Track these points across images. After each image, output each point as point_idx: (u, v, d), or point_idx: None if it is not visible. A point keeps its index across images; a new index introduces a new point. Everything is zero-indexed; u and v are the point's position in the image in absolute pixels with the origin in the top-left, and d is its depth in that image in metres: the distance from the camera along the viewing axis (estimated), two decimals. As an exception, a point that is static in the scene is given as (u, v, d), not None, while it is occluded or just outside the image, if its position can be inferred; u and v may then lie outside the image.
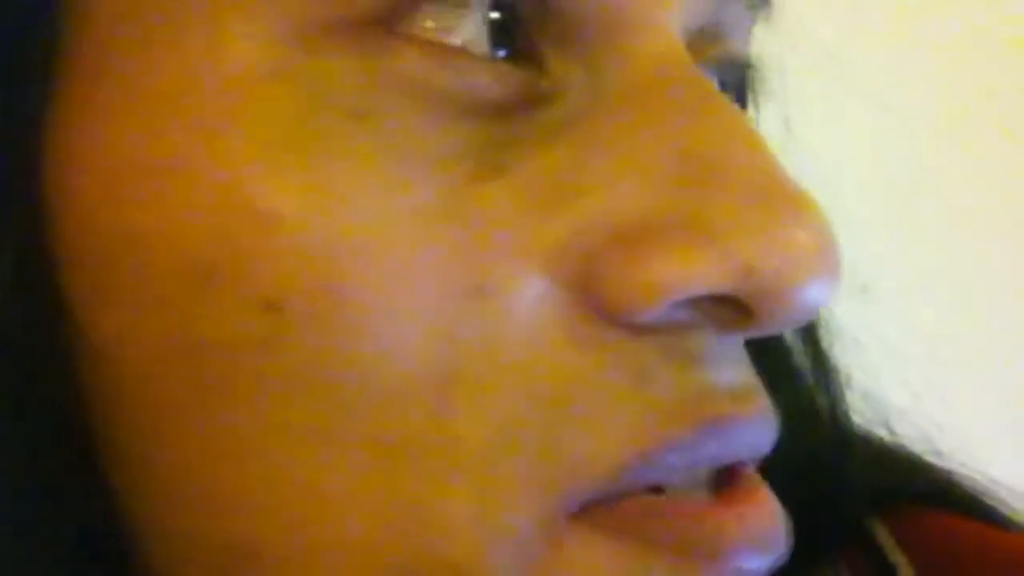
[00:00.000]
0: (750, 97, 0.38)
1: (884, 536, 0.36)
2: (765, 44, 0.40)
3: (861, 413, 0.41)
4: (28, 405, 0.24)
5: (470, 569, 0.23)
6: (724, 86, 0.31)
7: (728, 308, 0.24)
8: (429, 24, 0.24)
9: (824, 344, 0.40)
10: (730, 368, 0.25)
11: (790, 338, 0.39)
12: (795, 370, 0.39)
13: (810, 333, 0.39)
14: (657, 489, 0.25)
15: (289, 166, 0.23)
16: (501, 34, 0.25)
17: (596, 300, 0.24)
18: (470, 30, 0.24)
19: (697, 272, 0.23)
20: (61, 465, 0.25)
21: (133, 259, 0.23)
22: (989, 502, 0.38)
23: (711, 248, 0.23)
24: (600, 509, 0.24)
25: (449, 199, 0.23)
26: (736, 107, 0.25)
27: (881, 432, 0.41)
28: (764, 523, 0.25)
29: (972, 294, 0.64)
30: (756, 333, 0.25)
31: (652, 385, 0.24)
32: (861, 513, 0.37)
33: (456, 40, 0.24)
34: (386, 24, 0.23)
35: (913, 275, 0.61)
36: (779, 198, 0.24)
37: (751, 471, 0.26)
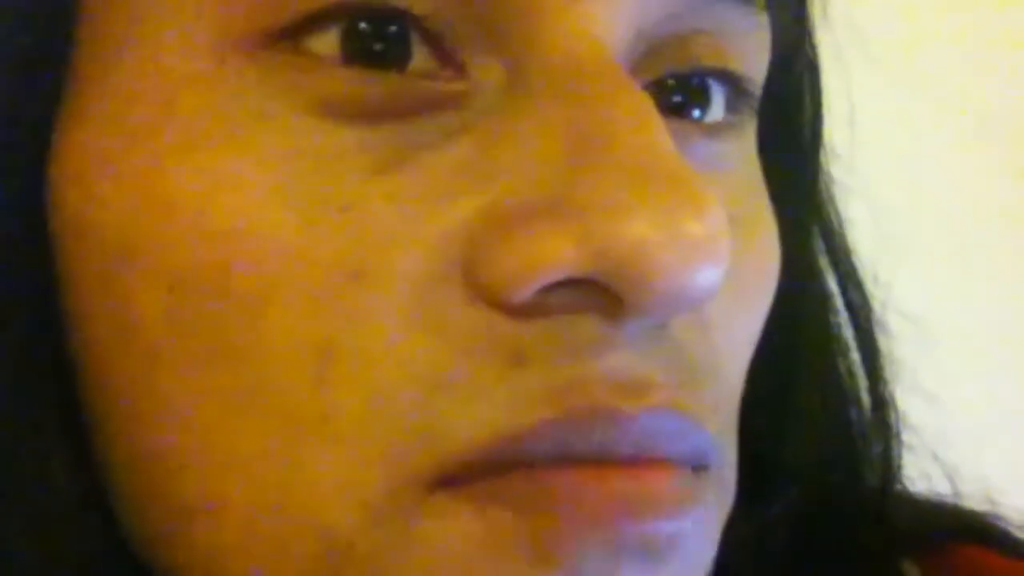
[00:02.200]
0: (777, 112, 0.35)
1: None
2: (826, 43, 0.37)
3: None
4: (26, 376, 0.28)
5: (339, 537, 0.25)
6: (701, 90, 0.29)
7: (605, 293, 0.24)
8: (331, 41, 0.25)
9: (886, 383, 0.38)
10: (624, 358, 0.25)
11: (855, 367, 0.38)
12: (851, 404, 0.38)
13: (875, 367, 0.38)
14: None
15: (200, 161, 0.25)
16: (413, 41, 0.26)
17: (477, 284, 0.24)
18: (365, 44, 0.25)
19: (556, 255, 0.24)
20: (53, 432, 0.28)
21: (81, 246, 0.27)
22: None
23: (571, 229, 0.24)
24: (467, 481, 0.25)
25: (339, 192, 0.25)
26: (641, 96, 0.25)
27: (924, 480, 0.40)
28: (640, 491, 0.24)
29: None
30: (637, 321, 0.25)
31: (527, 370, 0.24)
32: (894, 554, 0.36)
33: (361, 56, 0.25)
34: (291, 39, 0.25)
35: (981, 314, 0.55)
36: (649, 179, 0.23)
37: (671, 465, 0.25)
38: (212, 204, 0.25)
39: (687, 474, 0.26)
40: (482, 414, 0.24)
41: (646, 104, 0.25)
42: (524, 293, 0.24)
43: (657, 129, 0.24)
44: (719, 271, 0.24)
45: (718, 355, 0.27)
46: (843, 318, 0.38)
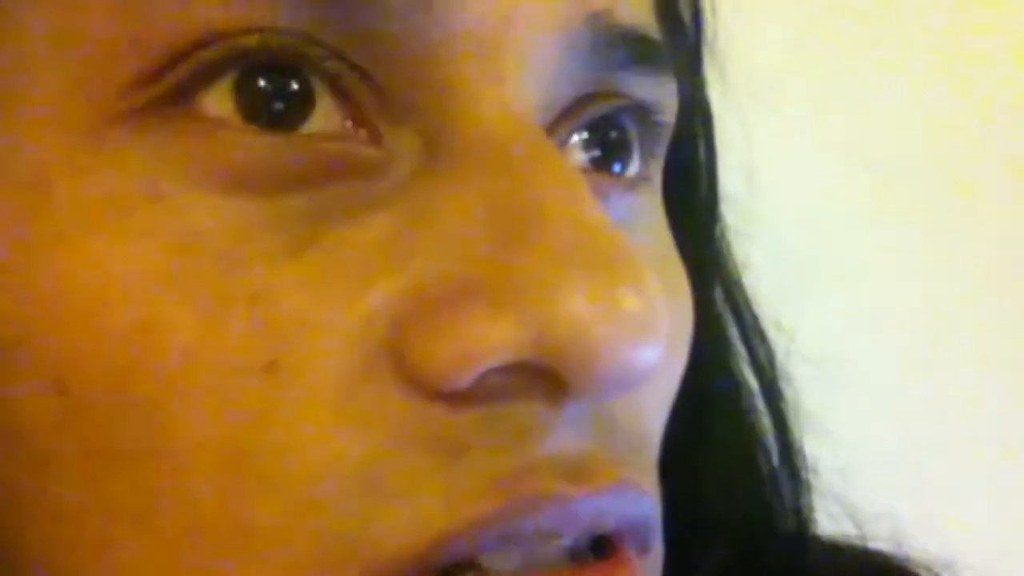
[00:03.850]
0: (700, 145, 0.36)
1: None
2: (725, 93, 0.37)
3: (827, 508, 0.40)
4: None
5: None
6: (620, 144, 0.29)
7: (546, 376, 0.23)
8: (225, 98, 0.23)
9: (794, 434, 0.39)
10: (569, 440, 0.24)
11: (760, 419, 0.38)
12: (758, 453, 0.38)
13: (781, 419, 0.38)
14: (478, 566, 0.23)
15: (86, 252, 0.23)
16: (319, 95, 0.24)
17: (408, 373, 0.23)
18: (270, 105, 0.23)
19: (497, 340, 0.22)
20: None
21: None
22: None
23: (509, 312, 0.22)
24: None
25: (245, 281, 0.23)
26: (568, 166, 0.24)
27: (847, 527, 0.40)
28: None
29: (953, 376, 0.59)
30: (579, 403, 0.24)
31: (467, 461, 0.23)
32: None
33: (261, 115, 0.23)
34: (180, 103, 0.23)
35: (885, 354, 0.56)
36: (583, 254, 0.22)
37: (625, 543, 0.25)
38: (101, 299, 0.23)
39: (641, 568, 0.25)
40: (418, 513, 0.22)
41: (574, 174, 0.24)
42: (460, 382, 0.22)
43: (588, 200, 0.23)
44: (660, 347, 0.23)
45: (646, 418, 0.27)
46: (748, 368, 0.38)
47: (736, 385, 0.38)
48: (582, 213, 0.23)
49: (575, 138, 0.27)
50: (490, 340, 0.22)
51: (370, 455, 0.22)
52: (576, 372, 0.22)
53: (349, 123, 0.24)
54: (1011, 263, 0.59)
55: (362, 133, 0.24)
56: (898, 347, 0.58)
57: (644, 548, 0.25)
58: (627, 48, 0.26)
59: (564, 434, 0.24)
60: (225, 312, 0.22)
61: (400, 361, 0.23)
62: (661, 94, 0.28)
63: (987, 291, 0.59)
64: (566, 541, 0.24)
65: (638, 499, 0.25)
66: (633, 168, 0.29)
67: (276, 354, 0.22)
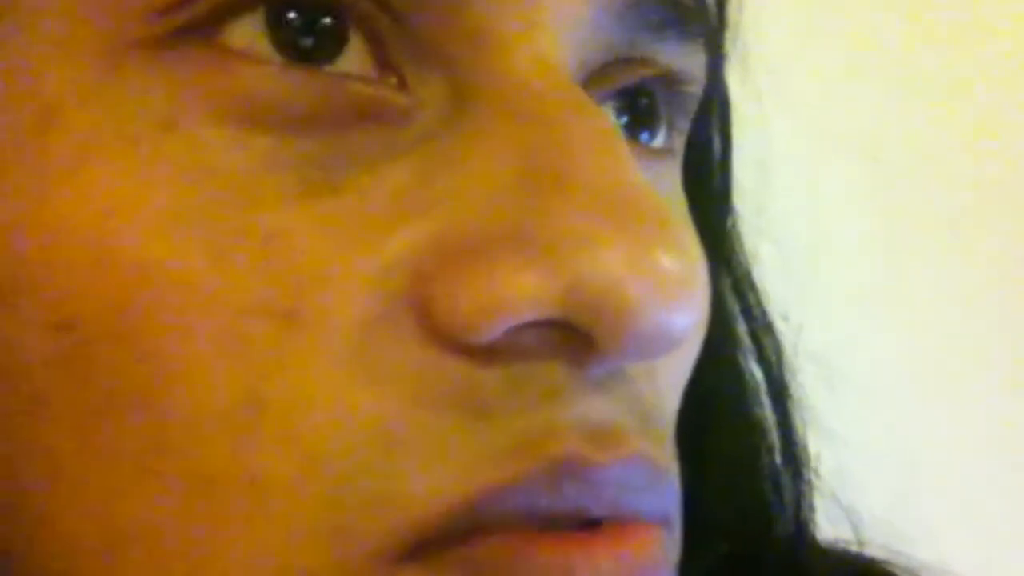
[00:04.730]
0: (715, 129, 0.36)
1: None
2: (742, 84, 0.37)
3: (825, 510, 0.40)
4: None
5: None
6: (649, 112, 0.28)
7: (575, 336, 0.22)
8: (253, 32, 0.22)
9: (798, 432, 0.38)
10: (596, 406, 0.22)
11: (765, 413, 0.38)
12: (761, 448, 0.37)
13: (785, 416, 0.38)
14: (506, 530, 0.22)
15: (91, 181, 0.22)
16: (351, 38, 0.23)
17: (430, 324, 0.22)
18: (298, 40, 0.22)
19: (527, 291, 0.21)
20: None
21: None
22: None
23: (541, 264, 0.21)
24: (437, 551, 0.22)
25: (260, 219, 0.22)
26: (603, 116, 0.23)
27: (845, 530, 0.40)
28: (621, 561, 0.22)
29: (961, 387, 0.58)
30: (608, 364, 0.22)
31: (491, 421, 0.21)
32: None
33: (289, 51, 0.22)
34: (204, 33, 0.22)
35: (887, 361, 0.56)
36: (621, 210, 0.21)
37: (650, 518, 0.23)
38: (106, 231, 0.21)
39: (663, 541, 0.24)
40: (443, 474, 0.21)
41: (609, 125, 0.23)
42: (488, 335, 0.21)
43: (624, 154, 0.22)
44: (697, 313, 0.21)
45: (665, 397, 0.26)
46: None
47: (741, 379, 0.37)
48: (619, 168, 0.22)
49: (607, 104, 0.27)
50: (520, 291, 0.21)
51: (389, 411, 0.21)
52: (608, 331, 0.21)
53: (378, 67, 0.23)
54: (1019, 263, 0.59)
55: (390, 78, 0.23)
56: (904, 346, 0.58)
57: (667, 526, 0.24)
58: (661, 9, 0.25)
59: (591, 399, 0.22)
60: (238, 252, 0.21)
61: (422, 312, 0.22)
62: (691, 63, 0.28)
63: (994, 291, 0.59)
64: (592, 511, 0.22)
65: (663, 481, 0.24)
66: (660, 139, 0.28)
67: (291, 300, 0.21)
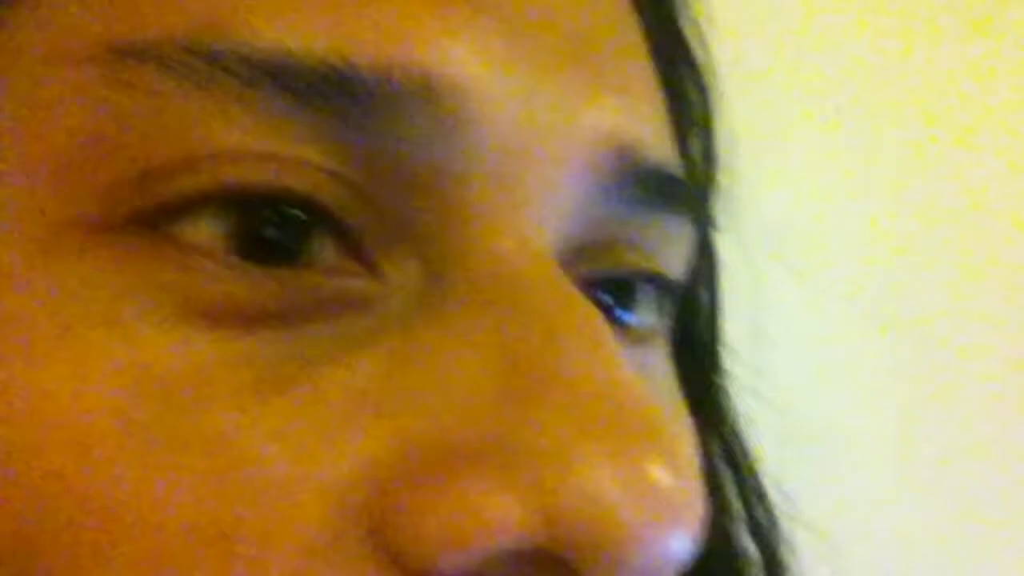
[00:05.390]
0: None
1: None
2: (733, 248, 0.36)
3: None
4: None
5: None
6: (634, 291, 0.26)
7: (556, 566, 0.19)
8: (211, 228, 0.20)
9: None
10: None
11: None
12: None
13: None
14: None
15: (18, 380, 0.20)
16: (315, 232, 0.21)
17: (390, 551, 0.19)
18: (259, 234, 0.21)
19: (500, 518, 0.19)
20: None
21: None
22: None
23: (518, 484, 0.19)
24: None
25: (206, 427, 0.19)
26: (591, 310, 0.21)
27: None
28: None
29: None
30: None
31: None
32: None
33: (249, 248, 0.20)
34: (155, 225, 0.20)
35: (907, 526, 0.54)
36: (609, 419, 0.19)
37: None
38: (31, 435, 0.19)
39: None
40: None
41: (596, 319, 0.21)
42: (454, 565, 0.19)
43: (615, 356, 0.20)
44: (694, 535, 0.19)
45: None
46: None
47: (733, 552, 0.35)
48: (609, 371, 0.20)
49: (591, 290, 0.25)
50: (492, 518, 0.19)
51: None
52: (593, 562, 0.19)
53: (345, 253, 0.21)
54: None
55: (356, 268, 0.21)
56: (902, 520, 0.55)
57: None
58: (649, 184, 0.24)
59: None
60: (175, 463, 0.19)
61: (380, 536, 0.19)
62: (679, 244, 0.26)
63: (989, 463, 0.57)
64: None
65: None
66: (646, 318, 0.26)
67: (230, 522, 0.19)
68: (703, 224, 0.29)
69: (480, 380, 0.20)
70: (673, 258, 0.26)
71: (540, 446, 0.19)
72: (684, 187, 0.26)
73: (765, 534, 0.35)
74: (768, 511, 0.35)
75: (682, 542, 0.19)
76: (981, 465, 0.57)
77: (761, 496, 0.35)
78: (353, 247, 0.21)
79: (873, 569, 0.50)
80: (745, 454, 0.36)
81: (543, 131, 0.22)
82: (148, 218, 0.20)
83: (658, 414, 0.20)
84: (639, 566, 0.19)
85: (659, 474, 0.19)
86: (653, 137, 0.24)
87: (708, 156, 0.34)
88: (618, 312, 0.26)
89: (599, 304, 0.25)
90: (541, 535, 0.19)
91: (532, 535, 0.19)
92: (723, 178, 0.35)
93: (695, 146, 0.33)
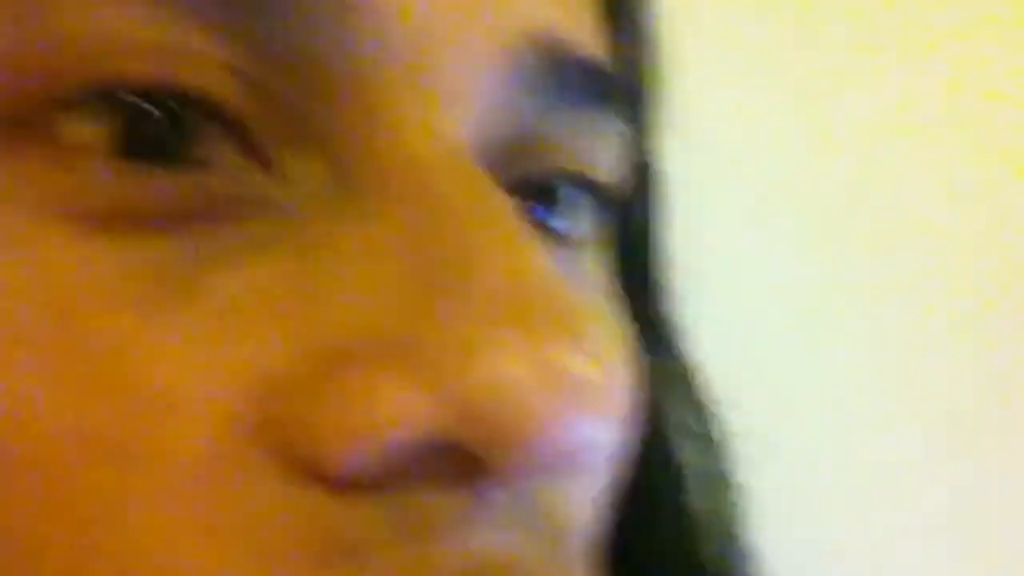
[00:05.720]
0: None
1: None
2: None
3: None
4: None
5: None
6: (561, 199, 0.25)
7: (463, 457, 0.19)
8: (93, 126, 0.19)
9: (742, 526, 0.35)
10: (484, 536, 0.20)
11: None
12: None
13: (726, 507, 0.35)
14: None
15: None
16: (208, 128, 0.20)
17: (291, 455, 0.19)
18: (144, 131, 0.20)
19: (404, 411, 0.18)
20: None
21: None
22: None
23: (422, 377, 0.18)
24: None
25: (95, 335, 0.19)
26: (505, 201, 0.21)
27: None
28: None
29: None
30: (506, 487, 0.20)
31: (357, 565, 0.19)
32: None
33: (136, 147, 0.19)
34: (36, 127, 0.19)
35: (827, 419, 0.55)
36: (520, 307, 0.19)
37: None
38: None
39: None
40: None
41: (512, 215, 0.20)
42: (358, 464, 0.19)
43: (526, 241, 0.20)
44: (608, 420, 0.19)
45: (582, 517, 0.23)
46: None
47: (676, 465, 0.34)
48: (520, 261, 0.19)
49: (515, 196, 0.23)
50: (396, 411, 0.18)
51: (237, 566, 0.18)
52: (498, 450, 0.18)
53: (242, 152, 0.20)
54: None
55: (255, 167, 0.20)
56: (844, 400, 0.56)
57: None
58: (581, 80, 0.23)
59: (481, 529, 0.20)
60: (65, 375, 0.18)
61: (282, 440, 0.19)
62: (608, 146, 0.25)
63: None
64: None
65: None
66: (574, 227, 0.25)
67: (126, 432, 0.18)
68: (636, 125, 0.28)
69: (387, 279, 0.19)
70: (603, 160, 0.25)
71: (444, 338, 0.18)
72: (613, 82, 0.25)
73: (708, 445, 0.35)
74: (710, 421, 0.35)
75: (596, 430, 0.19)
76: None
77: (703, 409, 0.35)
78: (252, 146, 0.20)
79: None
80: (688, 369, 0.35)
81: (460, 20, 0.21)
82: (24, 117, 0.19)
83: (571, 302, 0.19)
84: (549, 453, 0.19)
85: (569, 359, 0.18)
86: (580, 29, 0.23)
87: (643, 55, 0.33)
88: (544, 217, 0.25)
89: (525, 209, 0.24)
90: (445, 428, 0.18)
91: (435, 428, 0.18)
92: (662, 82, 0.34)
93: (631, 48, 0.32)
